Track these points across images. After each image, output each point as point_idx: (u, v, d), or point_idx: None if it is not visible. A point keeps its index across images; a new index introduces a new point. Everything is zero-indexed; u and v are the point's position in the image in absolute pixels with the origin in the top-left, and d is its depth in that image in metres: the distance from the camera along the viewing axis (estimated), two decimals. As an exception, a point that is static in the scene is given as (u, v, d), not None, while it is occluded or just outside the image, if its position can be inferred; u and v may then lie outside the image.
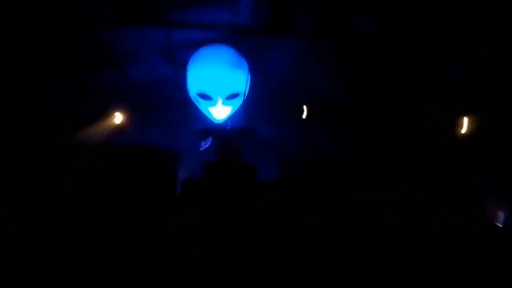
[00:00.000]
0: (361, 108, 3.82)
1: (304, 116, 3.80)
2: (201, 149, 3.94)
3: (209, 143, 3.93)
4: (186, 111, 3.97)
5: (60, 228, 3.34)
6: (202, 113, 3.82)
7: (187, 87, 3.77)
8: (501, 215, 3.44)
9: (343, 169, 3.59)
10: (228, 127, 3.80)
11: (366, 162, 3.61)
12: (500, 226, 3.42)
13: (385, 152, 3.69)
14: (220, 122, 3.81)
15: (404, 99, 3.75)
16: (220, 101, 3.66)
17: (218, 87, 3.64)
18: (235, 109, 3.78)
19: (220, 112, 3.74)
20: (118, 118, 3.89)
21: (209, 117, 3.79)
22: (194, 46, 3.77)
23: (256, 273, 3.18)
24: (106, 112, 3.87)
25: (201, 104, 3.76)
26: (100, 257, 3.24)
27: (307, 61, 3.80)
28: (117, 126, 3.85)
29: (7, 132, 3.59)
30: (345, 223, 3.39)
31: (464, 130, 3.69)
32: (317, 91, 3.84)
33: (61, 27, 3.52)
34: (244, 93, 3.72)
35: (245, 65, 3.72)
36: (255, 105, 3.87)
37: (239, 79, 3.67)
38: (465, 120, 3.69)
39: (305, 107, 3.90)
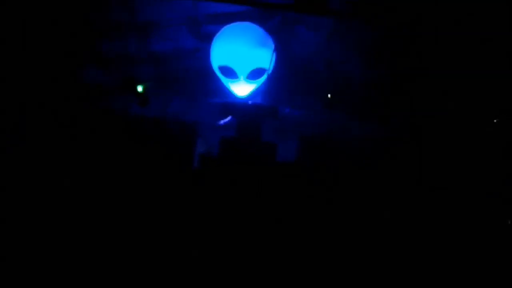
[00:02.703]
0: (389, 92, 3.74)
1: (329, 97, 3.72)
2: (220, 124, 3.93)
3: (229, 119, 3.92)
4: (208, 84, 3.92)
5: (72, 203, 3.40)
6: (224, 88, 3.79)
7: (211, 61, 3.73)
8: None
9: (363, 156, 3.54)
10: (249, 104, 3.76)
11: (390, 148, 3.55)
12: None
13: (411, 139, 3.61)
14: (242, 98, 3.78)
15: (435, 87, 3.64)
16: (242, 77, 3.65)
17: (241, 63, 3.61)
18: (258, 86, 3.74)
19: (242, 88, 3.72)
20: (139, 88, 3.86)
21: (231, 92, 3.77)
22: (221, 19, 3.71)
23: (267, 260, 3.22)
24: (128, 81, 3.83)
25: (223, 79, 3.74)
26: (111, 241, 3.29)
27: (336, 42, 3.71)
28: (138, 95, 3.82)
29: (28, 99, 3.58)
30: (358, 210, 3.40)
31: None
32: (344, 73, 3.76)
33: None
34: (268, 71, 3.68)
35: (270, 43, 3.65)
36: (279, 84, 3.81)
37: (263, 56, 3.62)
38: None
39: (329, 90, 3.83)
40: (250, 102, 3.76)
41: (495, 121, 3.55)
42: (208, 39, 3.78)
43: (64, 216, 3.34)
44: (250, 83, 3.70)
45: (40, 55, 3.58)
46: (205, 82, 3.92)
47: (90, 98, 3.77)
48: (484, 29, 3.50)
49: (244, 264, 3.20)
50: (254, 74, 3.66)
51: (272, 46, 3.65)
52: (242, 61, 3.62)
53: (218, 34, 3.70)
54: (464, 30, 3.52)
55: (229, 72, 3.66)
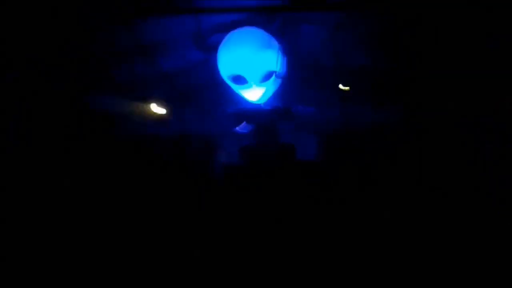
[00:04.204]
0: (403, 85, 3.64)
1: (342, 91, 3.66)
2: (237, 132, 3.92)
3: (244, 126, 3.90)
4: (220, 95, 3.92)
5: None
6: (236, 95, 3.78)
7: (219, 71, 3.72)
8: None
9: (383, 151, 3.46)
10: (263, 108, 3.73)
11: (408, 143, 3.46)
12: None
13: (428, 133, 3.52)
14: (256, 103, 3.75)
15: (448, 81, 3.53)
16: (253, 82, 3.63)
17: (249, 69, 3.60)
18: (269, 89, 3.72)
19: (254, 93, 3.71)
20: (154, 108, 3.90)
21: (244, 99, 3.75)
22: (224, 29, 3.71)
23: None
24: (142, 103, 3.88)
25: (234, 87, 3.73)
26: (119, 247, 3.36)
27: (341, 36, 3.64)
28: (155, 116, 3.86)
29: (38, 130, 3.66)
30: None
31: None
32: (355, 67, 3.69)
33: (88, 18, 3.53)
34: (277, 73, 3.64)
35: (275, 44, 3.63)
36: (290, 84, 3.77)
37: (270, 59, 3.60)
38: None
39: (341, 85, 3.77)
40: (264, 106, 3.75)
41: None
42: (213, 49, 3.78)
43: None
44: (262, 86, 3.68)
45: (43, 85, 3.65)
46: (217, 92, 3.92)
47: (102, 125, 3.82)
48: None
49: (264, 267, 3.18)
50: (264, 77, 3.65)
51: (278, 47, 3.63)
52: (250, 67, 3.62)
53: (222, 43, 3.70)
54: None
55: (239, 79, 3.67)
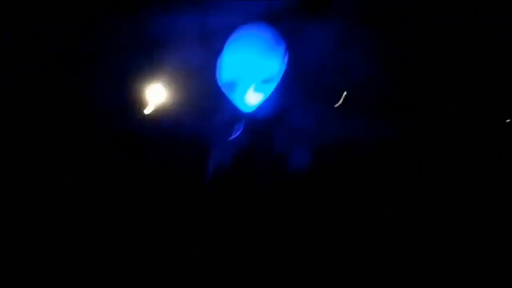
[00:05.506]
0: (404, 98, 3.59)
1: (341, 103, 3.60)
2: (232, 138, 3.82)
3: (240, 133, 3.81)
4: (217, 100, 3.84)
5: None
6: (233, 101, 3.69)
7: (219, 74, 3.65)
8: None
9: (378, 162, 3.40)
10: (260, 115, 3.65)
11: (404, 156, 3.40)
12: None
13: (424, 146, 3.48)
14: (252, 109, 3.66)
15: (450, 94, 3.50)
16: (252, 88, 3.54)
17: (249, 74, 3.52)
18: (268, 95, 3.63)
19: (252, 99, 3.60)
20: (149, 107, 3.82)
21: (241, 104, 3.66)
22: (227, 32, 3.65)
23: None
24: (137, 101, 3.80)
25: (232, 91, 3.63)
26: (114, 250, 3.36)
27: (346, 45, 3.59)
28: (148, 115, 3.78)
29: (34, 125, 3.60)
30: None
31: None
32: (357, 78, 3.63)
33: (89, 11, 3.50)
34: (277, 79, 3.57)
35: (278, 50, 3.57)
36: (289, 91, 3.69)
37: (271, 65, 3.53)
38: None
39: (343, 95, 3.70)
40: (260, 113, 3.66)
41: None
42: (216, 54, 3.72)
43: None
44: (260, 92, 3.59)
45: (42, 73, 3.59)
46: (215, 98, 3.84)
47: (98, 119, 3.73)
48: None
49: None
50: (263, 83, 3.56)
51: (281, 54, 3.57)
52: (250, 72, 3.53)
53: (225, 47, 3.63)
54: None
55: (238, 84, 3.58)
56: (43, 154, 3.59)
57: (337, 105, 3.62)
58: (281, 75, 3.58)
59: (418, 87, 3.58)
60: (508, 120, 3.45)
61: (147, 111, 3.73)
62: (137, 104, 3.73)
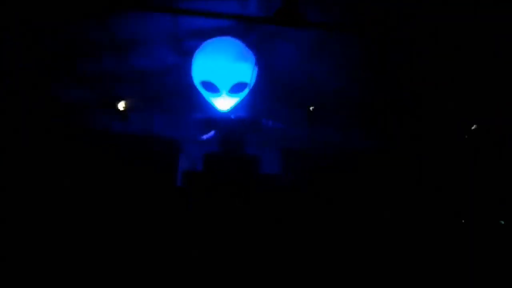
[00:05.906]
0: (371, 105, 3.52)
1: (310, 110, 3.57)
2: (203, 139, 3.84)
3: (212, 134, 3.83)
4: (190, 100, 3.88)
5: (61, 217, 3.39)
6: (206, 103, 3.72)
7: (192, 76, 3.69)
8: None
9: (346, 167, 3.33)
10: (232, 118, 3.66)
11: (371, 161, 3.32)
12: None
13: (392, 151, 3.38)
14: (224, 112, 3.68)
15: (419, 99, 3.40)
16: (224, 92, 3.59)
17: (223, 77, 3.57)
18: (240, 100, 3.66)
19: (224, 103, 3.67)
20: (120, 105, 3.87)
21: (213, 107, 3.69)
22: (201, 35, 3.68)
23: (256, 268, 3.14)
24: (108, 99, 3.86)
25: (205, 94, 3.68)
26: (101, 252, 3.27)
27: (318, 55, 3.56)
28: (120, 113, 3.83)
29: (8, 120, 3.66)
30: (345, 221, 3.21)
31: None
32: (326, 86, 3.59)
33: (63, 11, 3.54)
34: (250, 85, 3.58)
35: (251, 57, 3.62)
36: (261, 97, 3.70)
37: (244, 70, 3.58)
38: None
39: (311, 103, 3.68)
40: (232, 116, 3.67)
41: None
42: (189, 54, 3.74)
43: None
44: (232, 97, 3.65)
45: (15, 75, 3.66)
46: (187, 97, 3.89)
47: (70, 117, 3.79)
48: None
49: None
50: (236, 88, 3.62)
51: (253, 60, 3.59)
52: (223, 76, 3.59)
53: (198, 49, 3.68)
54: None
55: (211, 87, 3.63)
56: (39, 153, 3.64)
57: (308, 109, 3.57)
58: (253, 82, 3.58)
59: (387, 93, 3.51)
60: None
61: (119, 111, 3.77)
62: (111, 102, 3.77)
